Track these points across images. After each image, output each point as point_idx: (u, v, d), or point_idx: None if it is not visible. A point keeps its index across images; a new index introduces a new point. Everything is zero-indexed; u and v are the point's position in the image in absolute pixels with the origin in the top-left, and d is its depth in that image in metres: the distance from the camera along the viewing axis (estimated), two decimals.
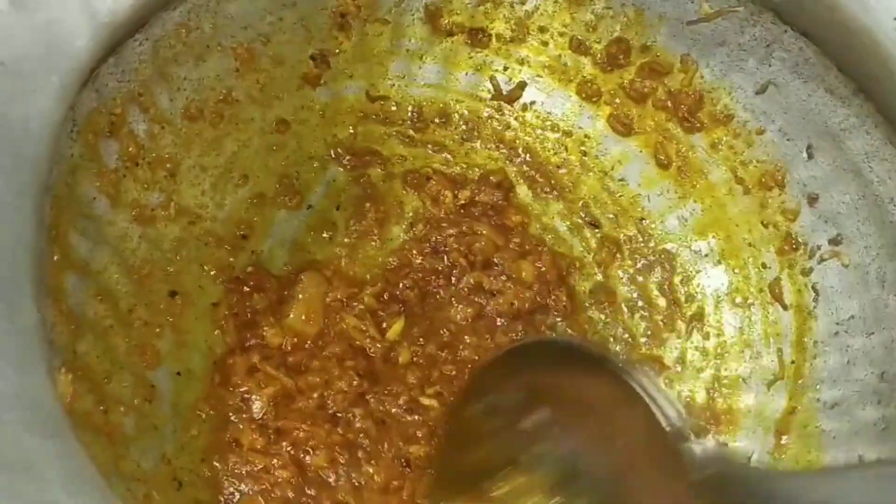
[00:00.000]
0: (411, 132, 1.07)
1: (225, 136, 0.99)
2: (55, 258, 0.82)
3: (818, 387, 0.97)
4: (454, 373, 0.98)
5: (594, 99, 1.09)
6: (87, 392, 0.83)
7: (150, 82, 0.90)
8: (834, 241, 0.96)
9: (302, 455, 0.95)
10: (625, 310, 1.08)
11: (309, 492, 0.93)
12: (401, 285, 1.02)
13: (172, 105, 0.92)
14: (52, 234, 0.81)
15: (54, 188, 0.81)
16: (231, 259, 1.02)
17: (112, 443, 0.85)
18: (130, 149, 0.91)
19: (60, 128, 0.79)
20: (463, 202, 1.04)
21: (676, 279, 1.07)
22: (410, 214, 1.06)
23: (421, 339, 0.99)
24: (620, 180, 1.11)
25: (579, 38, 1.05)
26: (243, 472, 0.95)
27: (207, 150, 0.98)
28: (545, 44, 1.07)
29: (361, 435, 0.94)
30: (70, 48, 0.79)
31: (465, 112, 1.08)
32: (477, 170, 1.08)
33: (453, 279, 1.02)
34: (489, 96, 1.09)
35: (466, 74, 1.09)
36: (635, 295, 1.07)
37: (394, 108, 1.06)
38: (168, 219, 0.96)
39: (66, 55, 0.79)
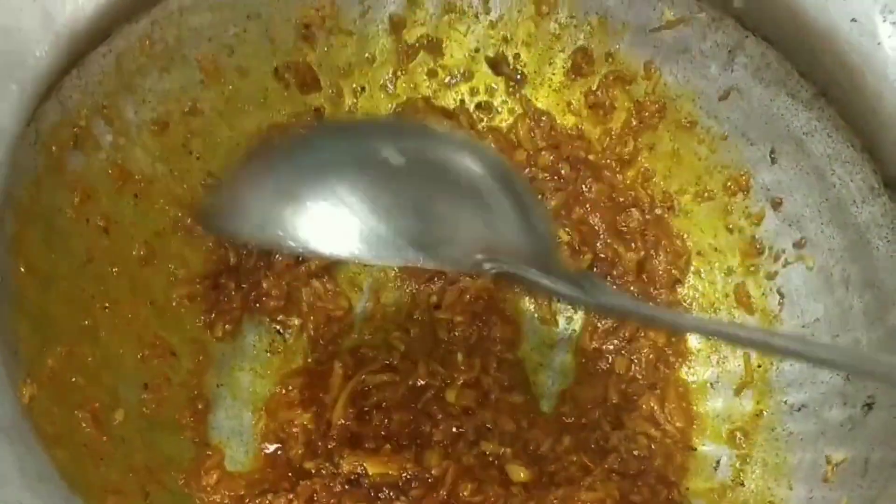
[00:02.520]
0: None
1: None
2: (20, 269, 0.82)
3: (785, 390, 0.97)
4: None
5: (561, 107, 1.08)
6: (52, 402, 0.83)
7: (115, 94, 0.90)
8: (798, 245, 0.97)
9: None
10: None
11: None
12: None
13: (138, 117, 0.92)
14: (15, 246, 0.82)
15: (17, 199, 0.81)
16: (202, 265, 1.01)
17: (78, 453, 0.85)
18: (97, 161, 0.87)
19: (20, 138, 0.80)
20: None
21: None
22: None
23: None
24: None
25: (544, 47, 1.04)
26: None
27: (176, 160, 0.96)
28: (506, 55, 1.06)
29: None
30: (29, 57, 0.80)
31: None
32: None
33: None
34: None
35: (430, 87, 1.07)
36: None
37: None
38: (137, 228, 0.96)
39: (25, 63, 0.80)
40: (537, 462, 0.95)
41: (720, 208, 1.03)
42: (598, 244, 1.05)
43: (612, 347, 1.03)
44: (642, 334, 1.02)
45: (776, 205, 0.98)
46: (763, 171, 0.99)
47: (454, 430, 0.96)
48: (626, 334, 1.03)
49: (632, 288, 1.05)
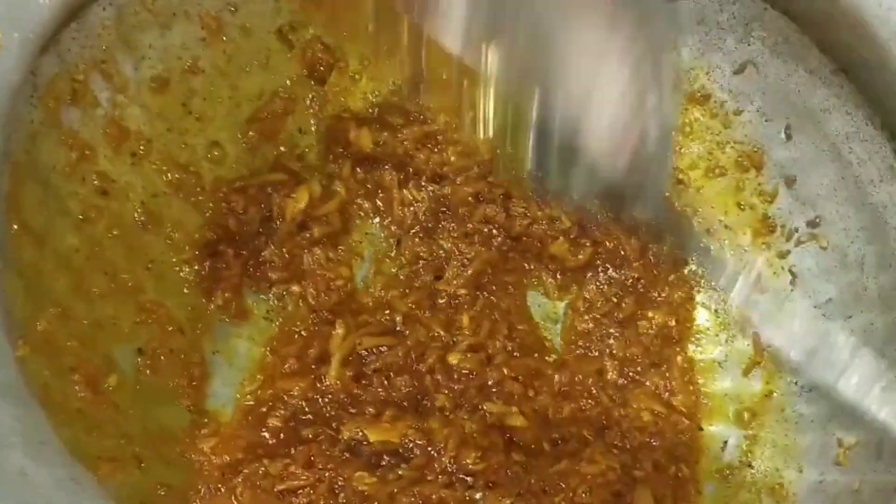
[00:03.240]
0: None
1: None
2: (14, 228, 0.79)
3: (795, 370, 0.95)
4: None
5: None
6: (45, 366, 0.81)
7: (114, 49, 0.88)
8: (812, 224, 0.95)
9: None
10: None
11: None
12: None
13: (137, 74, 0.89)
14: (10, 204, 0.79)
15: (13, 155, 0.79)
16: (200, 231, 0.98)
17: (71, 418, 0.83)
18: (94, 118, 0.86)
19: (19, 91, 0.78)
20: None
21: None
22: None
23: None
24: None
25: None
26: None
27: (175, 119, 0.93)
28: None
29: None
30: (32, 5, 0.77)
31: None
32: None
33: None
34: None
35: None
36: None
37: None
38: (134, 189, 0.93)
39: (27, 12, 0.77)
40: (541, 427, 0.93)
41: (732, 185, 1.01)
42: (597, 231, 1.00)
43: (604, 330, 0.99)
44: (640, 314, 0.98)
45: (790, 182, 0.96)
46: (777, 148, 0.97)
47: (457, 394, 0.93)
48: (621, 316, 0.99)
49: (634, 274, 1.00)
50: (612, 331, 1.00)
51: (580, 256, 1.00)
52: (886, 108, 0.88)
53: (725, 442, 0.97)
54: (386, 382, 0.94)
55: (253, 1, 0.95)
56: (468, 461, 0.89)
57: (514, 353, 0.99)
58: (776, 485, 0.90)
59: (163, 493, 0.87)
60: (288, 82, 1.00)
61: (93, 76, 0.87)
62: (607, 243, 1.01)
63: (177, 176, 0.95)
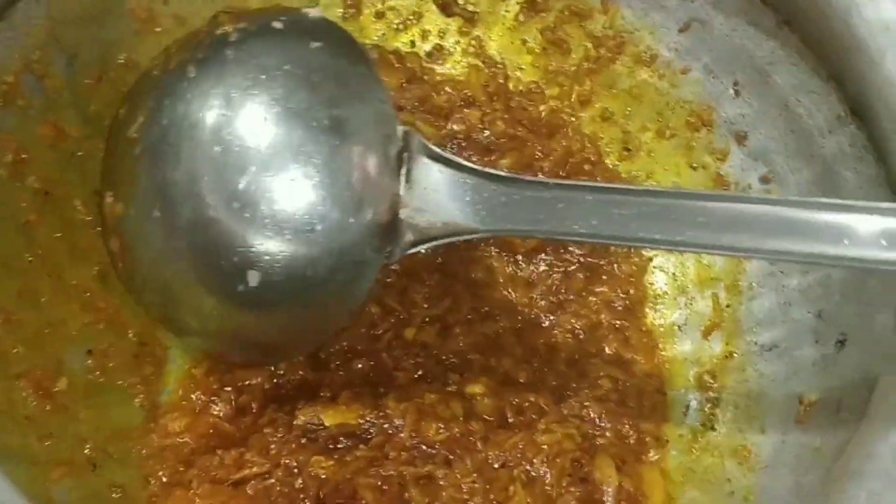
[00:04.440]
0: None
1: None
2: None
3: (755, 330, 0.95)
4: None
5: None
6: None
7: (46, 47, 0.86)
8: (764, 180, 0.94)
9: None
10: None
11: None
12: None
13: (70, 71, 0.86)
14: None
15: None
16: None
17: (21, 426, 0.83)
18: (29, 119, 0.86)
19: None
20: None
21: None
22: None
23: None
24: None
25: None
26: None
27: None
28: None
29: None
30: None
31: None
32: None
33: None
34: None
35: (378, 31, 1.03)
36: None
37: None
38: (75, 188, 0.92)
39: None
40: (500, 397, 0.93)
41: (683, 145, 1.00)
42: None
43: (556, 303, 0.99)
44: (590, 289, 0.98)
45: (741, 139, 0.95)
46: (726, 105, 0.96)
47: (415, 369, 0.93)
48: (571, 293, 0.98)
49: (585, 258, 1.00)
50: (563, 305, 0.96)
51: (527, 242, 0.98)
52: (831, 59, 0.87)
53: (687, 406, 0.96)
54: (342, 367, 0.91)
55: None
56: (430, 433, 0.88)
57: (473, 323, 0.96)
58: (739, 447, 0.90)
59: (117, 494, 0.86)
60: None
61: (25, 76, 0.86)
62: None
63: None
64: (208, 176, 0.72)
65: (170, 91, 0.76)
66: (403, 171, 0.76)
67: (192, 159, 0.73)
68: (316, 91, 0.74)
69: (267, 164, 0.73)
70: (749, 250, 0.71)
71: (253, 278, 0.72)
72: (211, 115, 0.74)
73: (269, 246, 0.72)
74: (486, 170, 0.76)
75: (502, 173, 0.77)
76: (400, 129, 0.77)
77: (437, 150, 0.77)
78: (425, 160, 0.76)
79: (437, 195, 0.75)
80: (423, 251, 0.77)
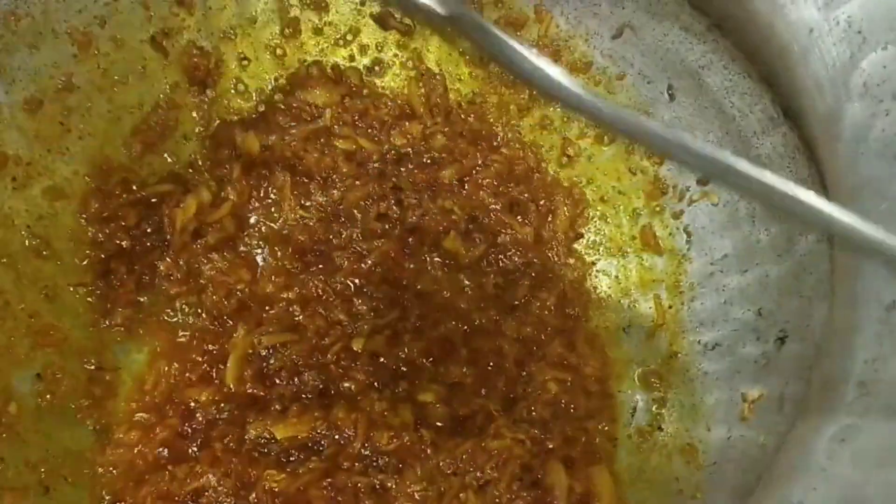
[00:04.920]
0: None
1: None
2: None
3: (698, 329, 0.96)
4: None
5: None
6: None
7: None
8: (702, 182, 0.96)
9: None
10: None
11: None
12: None
13: (9, 98, 0.88)
14: None
15: None
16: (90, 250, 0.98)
17: None
18: None
19: None
20: None
21: None
22: None
23: None
24: None
25: None
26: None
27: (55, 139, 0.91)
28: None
29: None
30: None
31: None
32: None
33: None
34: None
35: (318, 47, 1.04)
36: None
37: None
38: (18, 214, 0.93)
39: None
40: (449, 404, 0.94)
41: (621, 150, 1.01)
42: (489, 221, 1.00)
43: (496, 310, 1.00)
44: (533, 295, 0.99)
45: None
46: (662, 109, 0.98)
47: (364, 379, 0.94)
48: (514, 300, 0.99)
49: (533, 259, 1.00)
50: (508, 311, 0.98)
51: (473, 251, 0.98)
52: (762, 61, 0.88)
53: (634, 407, 0.97)
54: (294, 380, 0.91)
55: (120, 12, 0.94)
56: (381, 442, 0.89)
57: (422, 331, 0.97)
58: (686, 445, 0.91)
59: None
60: (168, 90, 0.99)
61: None
62: (501, 235, 0.99)
63: (61, 197, 0.91)
64: None
65: None
66: None
67: None
68: None
69: None
70: None
71: None
72: None
73: None
74: None
75: None
76: None
77: None
78: None
79: None
80: None
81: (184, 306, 0.97)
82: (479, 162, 1.04)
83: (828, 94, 0.78)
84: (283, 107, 1.02)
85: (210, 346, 0.95)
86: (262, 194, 0.99)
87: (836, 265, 0.79)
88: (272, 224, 1.00)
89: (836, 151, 0.78)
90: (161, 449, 0.90)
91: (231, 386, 0.92)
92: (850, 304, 0.74)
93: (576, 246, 1.03)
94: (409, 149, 1.05)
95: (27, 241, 0.91)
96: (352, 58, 1.06)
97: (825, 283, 0.81)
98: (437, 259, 1.00)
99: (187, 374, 0.93)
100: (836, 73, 0.77)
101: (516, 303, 0.99)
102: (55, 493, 0.87)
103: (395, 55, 1.06)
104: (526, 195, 1.03)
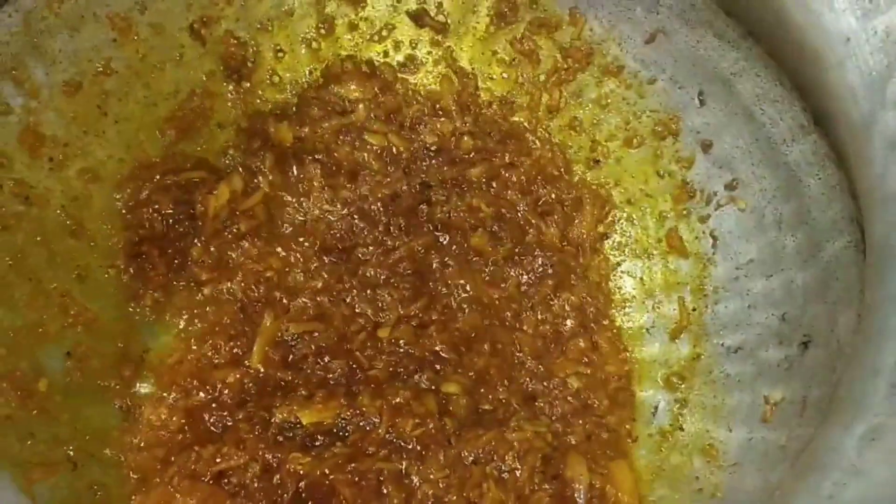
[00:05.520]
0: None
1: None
2: None
3: (721, 332, 0.96)
4: None
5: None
6: None
7: (23, 56, 0.88)
8: (729, 187, 0.96)
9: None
10: None
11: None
12: None
13: (49, 79, 0.89)
14: None
15: None
16: (124, 233, 0.99)
17: (2, 426, 0.85)
18: (7, 124, 0.86)
19: None
20: None
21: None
22: None
23: None
24: None
25: None
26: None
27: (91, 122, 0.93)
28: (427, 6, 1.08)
29: None
30: None
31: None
32: None
33: None
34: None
35: (352, 42, 1.05)
36: None
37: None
38: (53, 194, 0.94)
39: None
40: (473, 396, 0.95)
41: (650, 153, 1.02)
42: (516, 220, 1.01)
43: (520, 307, 1.02)
44: (556, 295, 1.00)
45: (706, 147, 0.97)
46: (692, 114, 0.98)
47: (389, 368, 0.95)
48: (536, 298, 1.00)
49: (559, 259, 1.02)
50: (533, 308, 0.99)
51: (499, 250, 1.00)
52: (794, 69, 0.89)
53: (656, 407, 0.97)
54: (320, 366, 0.92)
55: None
56: (405, 429, 0.90)
57: (447, 322, 0.99)
58: (707, 445, 0.91)
59: (98, 493, 0.87)
60: (203, 78, 1.00)
61: (3, 83, 0.87)
62: (527, 234, 1.00)
63: (96, 179, 0.92)
64: None
65: None
66: None
67: None
68: None
69: None
70: None
71: None
72: None
73: None
74: None
75: None
76: None
77: None
78: None
79: None
80: None
81: (213, 292, 0.96)
82: (508, 161, 1.04)
83: (862, 103, 0.79)
84: (316, 100, 1.02)
85: (238, 331, 0.95)
86: (293, 185, 0.99)
87: (866, 270, 0.79)
88: (302, 214, 0.99)
89: (868, 159, 0.79)
90: (187, 430, 0.89)
91: (259, 368, 0.92)
92: (879, 308, 0.74)
93: (601, 247, 1.03)
94: (439, 146, 1.04)
95: (61, 222, 0.91)
96: (386, 54, 1.07)
97: (852, 289, 0.82)
98: (463, 256, 1.00)
99: (215, 358, 0.93)
100: (871, 82, 0.78)
101: (540, 301, 0.99)
102: (83, 470, 0.88)
103: (429, 52, 1.07)
104: (553, 196, 1.03)
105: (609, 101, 1.03)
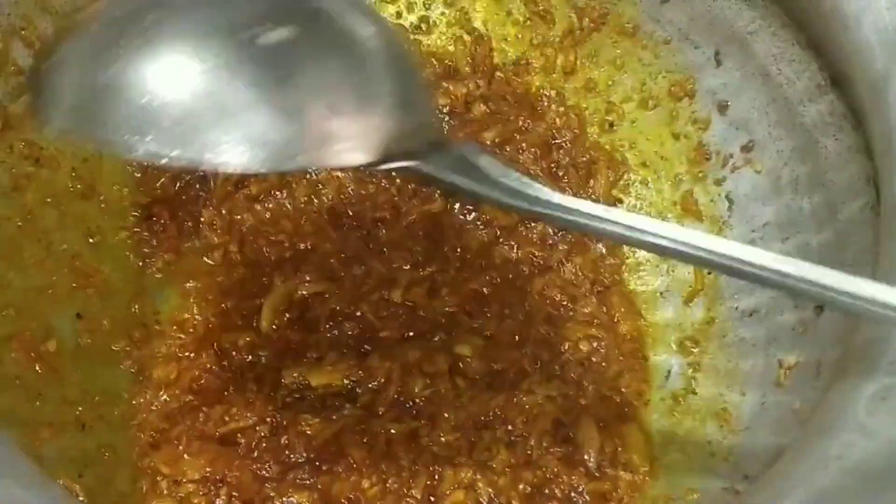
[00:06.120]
0: None
1: None
2: None
3: (736, 296, 0.96)
4: None
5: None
6: None
7: (32, 15, 0.88)
8: (746, 148, 0.94)
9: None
10: None
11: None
12: None
13: None
14: None
15: None
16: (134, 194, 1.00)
17: (10, 385, 0.84)
18: (17, 85, 0.87)
19: None
20: None
21: None
22: None
23: None
24: None
25: None
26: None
27: None
28: None
29: None
30: None
31: None
32: None
33: None
34: None
35: None
36: None
37: None
38: (64, 155, 0.94)
39: None
40: (485, 358, 0.95)
41: (665, 115, 1.01)
42: None
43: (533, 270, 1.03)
44: (567, 259, 0.99)
45: (722, 108, 0.95)
46: (708, 75, 0.97)
47: (401, 330, 0.96)
48: (547, 256, 1.02)
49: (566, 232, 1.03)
50: (545, 271, 1.01)
51: (511, 216, 1.02)
52: (811, 28, 0.88)
53: (669, 371, 0.97)
54: (331, 329, 0.94)
55: None
56: (416, 389, 0.91)
57: (460, 284, 0.99)
58: (720, 409, 0.90)
59: (106, 454, 0.88)
60: None
61: (12, 43, 0.87)
62: None
63: None
64: None
65: None
66: None
67: None
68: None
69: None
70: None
71: None
72: None
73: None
74: None
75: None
76: None
77: None
78: None
79: None
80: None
81: (225, 254, 0.96)
82: (521, 125, 1.03)
83: (878, 60, 0.78)
84: None
85: (249, 294, 0.94)
86: None
87: (881, 230, 0.78)
88: (314, 176, 0.99)
89: (884, 117, 0.77)
90: (196, 391, 0.89)
91: (269, 327, 0.93)
92: (893, 269, 0.73)
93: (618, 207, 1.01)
94: (452, 109, 1.03)
95: (72, 183, 0.91)
96: (399, 14, 1.06)
97: (868, 251, 0.80)
98: (479, 220, 0.99)
99: (225, 320, 0.93)
100: (888, 38, 0.76)
101: (553, 265, 0.98)
102: (91, 431, 0.88)
103: (443, 13, 1.06)
104: (567, 159, 1.03)
105: (624, 61, 1.02)
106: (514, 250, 1.00)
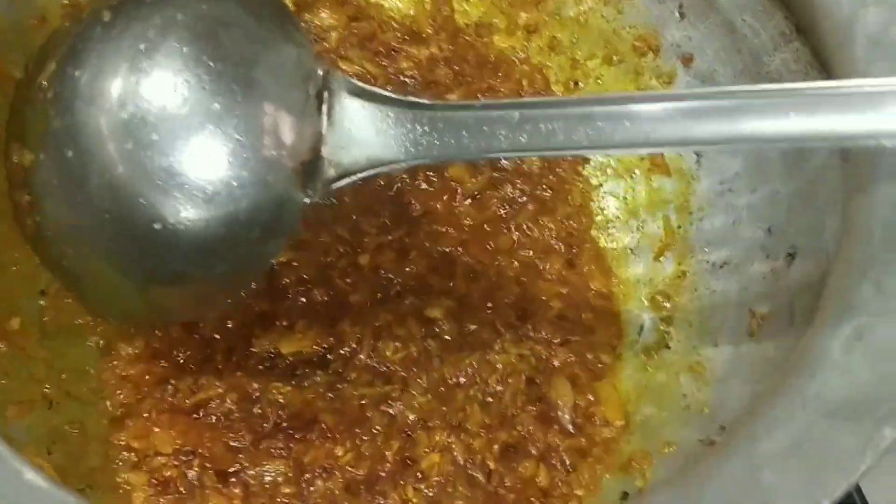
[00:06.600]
0: None
1: None
2: None
3: (706, 249, 0.95)
4: None
5: None
6: None
7: None
8: None
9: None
10: None
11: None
12: None
13: (12, 10, 0.88)
14: None
15: None
16: None
17: None
18: None
19: None
20: None
21: None
22: None
23: None
24: None
25: None
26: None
27: None
28: None
29: None
30: None
31: None
32: None
33: None
34: None
35: None
36: None
37: None
38: None
39: None
40: (457, 319, 0.94)
41: (631, 71, 1.01)
42: None
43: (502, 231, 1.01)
44: (532, 218, 0.98)
45: (687, 62, 0.95)
46: (672, 28, 0.96)
47: (371, 294, 0.94)
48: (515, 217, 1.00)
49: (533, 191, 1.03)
50: (515, 231, 0.99)
51: (478, 178, 1.01)
52: None
53: (641, 326, 0.97)
54: (300, 296, 0.93)
55: None
56: (387, 352, 0.90)
57: (429, 247, 0.98)
58: (694, 363, 0.90)
59: (76, 431, 0.86)
60: None
61: None
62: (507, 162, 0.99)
63: None
64: (116, 128, 0.70)
65: (83, 37, 0.73)
66: (325, 109, 0.74)
67: (98, 110, 0.71)
68: (228, 39, 0.72)
69: (179, 118, 0.70)
70: (674, 142, 0.71)
71: (168, 230, 0.71)
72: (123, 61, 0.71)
73: (184, 202, 0.70)
74: (409, 99, 0.74)
75: (426, 101, 0.74)
76: (320, 68, 0.75)
77: (359, 84, 0.74)
78: (346, 97, 0.74)
79: (359, 131, 0.73)
80: (347, 184, 0.75)
81: None
82: (486, 86, 1.02)
83: (845, 4, 0.77)
84: None
85: None
86: None
87: (849, 174, 0.77)
88: None
89: (851, 61, 0.77)
90: (164, 363, 0.88)
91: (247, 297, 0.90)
92: (863, 212, 0.73)
93: (582, 169, 1.01)
94: (416, 72, 1.02)
95: None
96: None
97: (837, 197, 0.80)
98: (442, 183, 0.98)
99: None
100: None
101: (523, 225, 0.98)
102: (59, 408, 0.87)
103: None
104: None
105: (587, 18, 1.01)
106: (482, 211, 0.98)
